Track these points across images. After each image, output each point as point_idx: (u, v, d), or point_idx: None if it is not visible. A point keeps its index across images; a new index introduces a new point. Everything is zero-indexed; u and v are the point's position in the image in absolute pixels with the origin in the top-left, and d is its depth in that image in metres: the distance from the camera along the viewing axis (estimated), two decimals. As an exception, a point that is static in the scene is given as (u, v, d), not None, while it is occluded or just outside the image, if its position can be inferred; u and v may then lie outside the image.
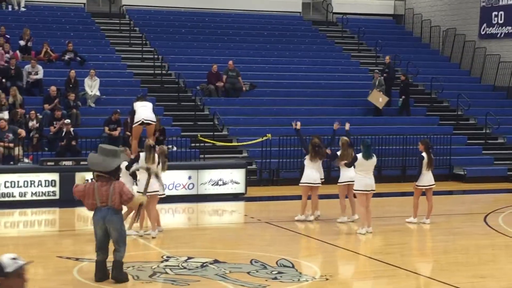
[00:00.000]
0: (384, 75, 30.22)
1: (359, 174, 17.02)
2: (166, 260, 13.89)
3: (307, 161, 18.39)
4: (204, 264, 13.53)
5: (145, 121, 17.92)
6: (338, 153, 18.40)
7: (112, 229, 12.02)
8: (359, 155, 17.03)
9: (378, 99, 29.37)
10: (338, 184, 18.27)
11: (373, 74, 30.39)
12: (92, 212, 12.23)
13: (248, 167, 24.31)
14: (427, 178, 18.15)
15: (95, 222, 12.15)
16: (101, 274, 12.28)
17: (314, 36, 36.27)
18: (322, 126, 26.98)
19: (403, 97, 29.96)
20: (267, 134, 25.72)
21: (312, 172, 18.28)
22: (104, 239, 12.17)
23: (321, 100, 30.37)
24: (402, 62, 33.16)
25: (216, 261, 13.77)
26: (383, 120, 29.86)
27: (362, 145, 17.35)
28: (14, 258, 5.66)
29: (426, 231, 17.92)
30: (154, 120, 18.43)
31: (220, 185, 22.78)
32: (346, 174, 17.97)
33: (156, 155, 16.28)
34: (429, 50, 37.18)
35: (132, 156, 17.04)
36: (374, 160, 17.15)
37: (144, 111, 18.19)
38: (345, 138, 18.32)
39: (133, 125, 19.20)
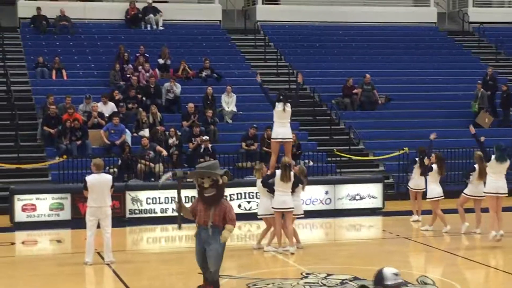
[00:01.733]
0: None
1: (491, 177, 17.03)
2: (306, 277, 13.90)
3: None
4: (344, 281, 13.48)
5: (282, 140, 17.86)
6: (434, 166, 18.58)
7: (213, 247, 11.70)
8: (492, 158, 17.11)
9: (485, 120, 28.89)
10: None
11: (477, 85, 29.69)
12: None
13: (385, 181, 24.13)
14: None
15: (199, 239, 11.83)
16: None
17: (450, 46, 35.71)
18: (460, 138, 26.56)
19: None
20: (404, 148, 25.45)
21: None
22: (201, 257, 11.84)
23: (459, 112, 29.83)
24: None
25: (355, 278, 13.70)
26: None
27: (496, 148, 17.39)
28: (395, 274, 5.62)
29: None
30: (291, 137, 18.45)
31: (357, 199, 22.70)
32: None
33: (292, 173, 16.32)
34: None
35: (269, 172, 17.12)
36: (507, 163, 17.23)
37: (281, 128, 18.23)
38: (478, 153, 18.21)
39: (271, 139, 19.31)
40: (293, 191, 16.38)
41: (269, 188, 16.43)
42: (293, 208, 16.27)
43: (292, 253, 16.14)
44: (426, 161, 19.35)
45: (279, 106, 17.71)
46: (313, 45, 34.25)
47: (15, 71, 29.13)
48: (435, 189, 18.63)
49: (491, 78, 30.44)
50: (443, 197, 18.71)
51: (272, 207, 16.36)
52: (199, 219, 11.53)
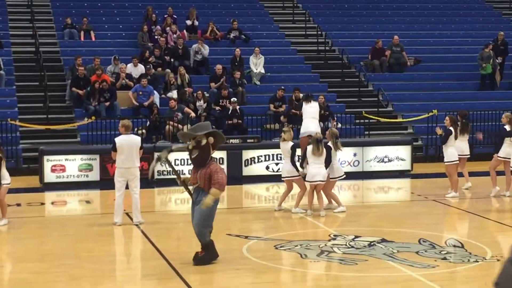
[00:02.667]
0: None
1: None
2: (334, 239, 13.92)
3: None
4: (372, 243, 13.48)
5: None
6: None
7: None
8: None
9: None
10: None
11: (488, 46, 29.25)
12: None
13: (414, 143, 24.04)
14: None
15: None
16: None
17: (480, 7, 35.36)
18: (489, 100, 26.40)
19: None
20: (433, 110, 25.30)
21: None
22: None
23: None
24: None
25: (383, 240, 13.69)
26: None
27: None
28: None
29: None
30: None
31: (385, 162, 22.64)
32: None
33: (324, 148, 16.23)
34: None
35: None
36: None
37: (311, 123, 18.15)
38: (508, 114, 18.31)
39: (300, 136, 19.42)
40: (327, 165, 16.33)
41: (295, 167, 16.43)
42: (324, 181, 16.23)
43: (322, 216, 16.18)
44: (438, 130, 19.15)
45: (305, 105, 17.89)
46: (342, 6, 34.01)
47: (43, 32, 29.18)
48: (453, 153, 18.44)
49: (502, 43, 29.97)
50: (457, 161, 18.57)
51: (306, 180, 16.37)
52: (192, 180, 11.89)
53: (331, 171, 16.40)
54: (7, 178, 15.51)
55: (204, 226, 11.92)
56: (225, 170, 21.70)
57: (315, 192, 16.34)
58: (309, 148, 16.32)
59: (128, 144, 15.07)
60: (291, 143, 16.55)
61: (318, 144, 16.13)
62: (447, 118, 18.64)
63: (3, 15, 29.85)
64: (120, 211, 15.33)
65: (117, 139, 15.28)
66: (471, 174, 19.90)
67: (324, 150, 16.20)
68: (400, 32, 30.81)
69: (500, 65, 29.32)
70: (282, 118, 24.61)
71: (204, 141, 11.59)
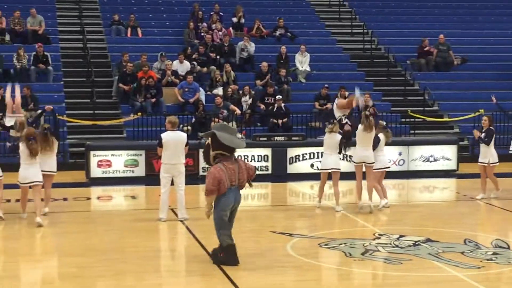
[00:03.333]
0: None
1: None
2: (378, 238, 13.87)
3: None
4: (417, 243, 13.40)
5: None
6: None
7: (237, 207, 11.89)
8: None
9: None
10: None
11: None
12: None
13: (460, 143, 23.86)
14: None
15: (228, 203, 11.68)
16: (237, 258, 11.94)
17: (529, 6, 34.93)
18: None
19: None
20: (480, 110, 25.07)
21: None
22: (231, 215, 11.94)
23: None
24: None
25: (428, 240, 13.61)
26: None
27: None
28: None
29: None
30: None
31: (431, 161, 22.52)
32: None
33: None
34: None
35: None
36: None
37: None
38: None
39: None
40: (374, 148, 16.42)
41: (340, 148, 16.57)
42: (373, 162, 16.27)
43: (370, 212, 16.17)
44: (476, 133, 18.57)
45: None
46: (389, 5, 33.85)
47: (91, 29, 29.44)
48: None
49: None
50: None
51: (353, 161, 16.51)
52: None
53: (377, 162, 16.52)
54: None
55: (217, 230, 11.88)
56: (270, 167, 21.88)
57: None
58: (360, 127, 16.49)
59: (174, 140, 15.13)
60: (339, 136, 16.65)
61: (368, 119, 16.28)
62: (485, 118, 18.38)
63: (52, 11, 30.16)
64: (165, 207, 15.41)
65: (163, 135, 15.35)
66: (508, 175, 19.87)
67: (374, 129, 16.30)
68: (447, 31, 30.58)
69: None
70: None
71: (207, 141, 11.79)
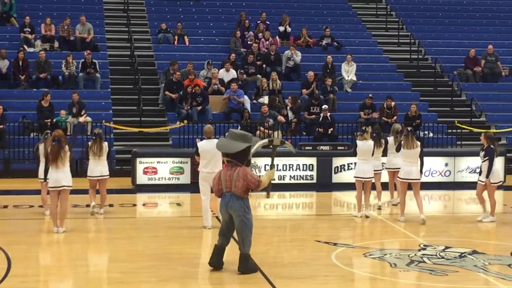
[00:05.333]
0: None
1: None
2: (424, 249, 13.78)
3: None
4: (463, 255, 13.29)
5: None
6: None
7: (234, 216, 11.69)
8: None
9: None
10: None
11: None
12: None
13: (507, 154, 23.60)
14: None
15: (220, 208, 11.91)
16: (215, 259, 11.99)
17: None
18: None
19: None
20: (528, 121, 24.84)
21: None
22: (226, 226, 11.87)
23: None
24: None
25: (474, 252, 13.49)
26: None
27: None
28: None
29: None
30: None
31: (477, 172, 22.22)
32: None
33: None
34: None
35: None
36: None
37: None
38: None
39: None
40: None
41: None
42: (419, 179, 16.21)
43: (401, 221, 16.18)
44: None
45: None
46: (436, 15, 33.66)
47: (139, 37, 29.69)
48: None
49: None
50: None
51: (398, 177, 16.57)
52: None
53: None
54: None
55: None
56: (315, 176, 21.89)
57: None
58: (389, 140, 17.65)
59: (210, 148, 14.94)
60: (371, 142, 17.01)
61: (408, 136, 16.29)
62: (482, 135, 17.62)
63: (100, 19, 30.46)
64: (208, 215, 15.42)
65: (199, 144, 15.40)
66: None
67: (418, 145, 16.29)
68: (494, 41, 30.37)
69: None
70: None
71: None
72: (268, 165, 21.66)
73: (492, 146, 16.82)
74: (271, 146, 12.14)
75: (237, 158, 11.59)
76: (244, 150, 11.56)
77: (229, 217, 11.75)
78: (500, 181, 17.29)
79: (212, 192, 15.23)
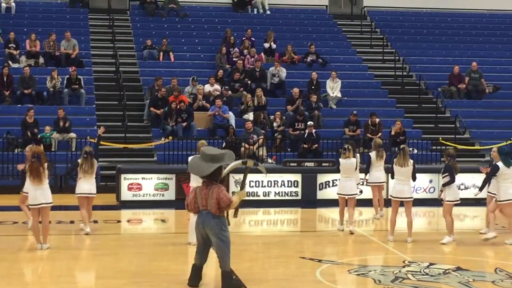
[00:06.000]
0: None
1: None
2: (408, 265, 13.80)
3: None
4: (447, 271, 13.33)
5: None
6: None
7: (210, 234, 11.72)
8: (500, 164, 15.95)
9: None
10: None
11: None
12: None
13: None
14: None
15: (196, 226, 11.91)
16: (193, 279, 12.00)
17: (562, 35, 34.78)
18: None
19: None
20: (511, 138, 24.95)
21: None
22: (202, 243, 11.91)
23: None
24: None
25: (458, 268, 13.53)
26: None
27: (500, 153, 16.34)
28: None
29: None
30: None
31: (461, 189, 22.28)
32: None
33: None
34: None
35: None
36: None
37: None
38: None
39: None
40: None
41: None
42: (411, 198, 16.19)
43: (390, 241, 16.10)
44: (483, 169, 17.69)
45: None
46: (420, 32, 33.84)
47: (124, 53, 29.71)
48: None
49: None
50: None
51: (390, 196, 16.60)
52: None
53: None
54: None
55: None
56: (299, 193, 21.91)
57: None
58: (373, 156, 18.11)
59: None
60: (354, 159, 17.31)
61: (401, 154, 16.17)
62: (494, 149, 17.29)
63: (85, 35, 30.46)
64: (194, 231, 15.37)
65: (190, 159, 15.36)
66: None
67: (411, 164, 16.14)
68: (478, 58, 30.56)
69: None
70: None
71: None
72: (259, 181, 21.81)
73: (450, 163, 16.48)
74: (245, 167, 12.11)
75: (210, 178, 11.63)
76: (215, 170, 11.57)
77: (205, 234, 11.74)
78: (458, 200, 16.62)
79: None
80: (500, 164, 16.09)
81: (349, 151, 17.22)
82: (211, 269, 14.13)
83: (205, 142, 15.97)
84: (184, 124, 24.94)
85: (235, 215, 12.42)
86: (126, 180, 21.41)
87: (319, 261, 14.19)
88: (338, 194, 17.47)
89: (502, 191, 16.16)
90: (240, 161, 12.18)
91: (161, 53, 29.40)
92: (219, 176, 11.70)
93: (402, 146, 16.51)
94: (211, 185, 11.61)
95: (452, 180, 16.30)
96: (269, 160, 23.85)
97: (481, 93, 29.29)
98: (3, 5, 31.07)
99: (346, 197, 17.14)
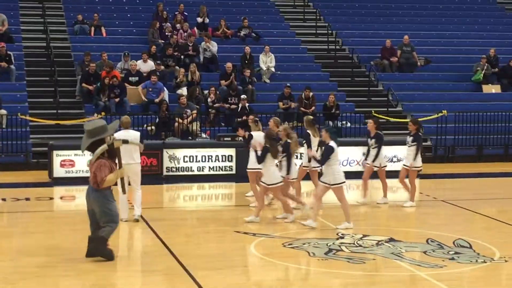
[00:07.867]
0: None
1: None
2: (342, 238, 13.93)
3: None
4: (380, 242, 13.49)
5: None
6: None
7: (94, 206, 12.02)
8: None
9: (491, 90, 28.41)
10: None
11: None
12: None
13: (423, 143, 23.94)
14: None
15: (86, 198, 12.22)
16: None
17: (492, 8, 35.28)
18: (502, 102, 26.39)
19: None
20: (443, 111, 25.27)
21: None
22: (91, 215, 12.18)
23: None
24: None
25: (391, 240, 13.70)
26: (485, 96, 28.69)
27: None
28: None
29: None
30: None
31: (394, 161, 22.59)
32: None
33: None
34: None
35: None
36: None
37: None
38: None
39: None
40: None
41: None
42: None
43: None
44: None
45: None
46: (353, 6, 33.98)
47: (54, 28, 29.25)
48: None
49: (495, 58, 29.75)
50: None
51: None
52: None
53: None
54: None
55: None
56: (234, 167, 21.89)
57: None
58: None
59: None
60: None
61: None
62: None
63: (15, 10, 29.91)
64: (125, 207, 15.28)
65: (116, 134, 15.20)
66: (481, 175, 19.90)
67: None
68: (410, 32, 30.79)
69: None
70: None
71: None
72: (193, 156, 21.74)
73: (419, 132, 17.40)
74: (114, 148, 12.13)
75: (92, 151, 11.96)
76: (92, 144, 11.90)
77: (90, 206, 12.07)
78: (421, 167, 17.65)
79: (129, 184, 15.21)
80: None
81: (256, 124, 17.06)
82: (123, 239, 14.09)
83: (129, 117, 15.81)
84: (117, 99, 24.70)
85: (124, 191, 12.72)
86: (58, 157, 21.15)
87: (254, 235, 14.23)
88: (247, 169, 17.16)
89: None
90: (106, 146, 12.06)
91: (93, 28, 29.02)
92: (95, 149, 11.93)
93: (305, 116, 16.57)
94: (97, 160, 11.89)
95: (417, 150, 17.26)
96: (203, 135, 23.79)
97: (412, 66, 29.57)
98: None
99: (253, 171, 16.90)
